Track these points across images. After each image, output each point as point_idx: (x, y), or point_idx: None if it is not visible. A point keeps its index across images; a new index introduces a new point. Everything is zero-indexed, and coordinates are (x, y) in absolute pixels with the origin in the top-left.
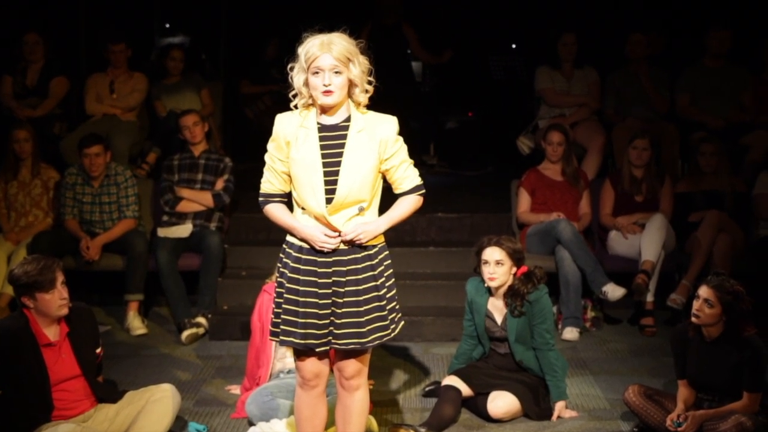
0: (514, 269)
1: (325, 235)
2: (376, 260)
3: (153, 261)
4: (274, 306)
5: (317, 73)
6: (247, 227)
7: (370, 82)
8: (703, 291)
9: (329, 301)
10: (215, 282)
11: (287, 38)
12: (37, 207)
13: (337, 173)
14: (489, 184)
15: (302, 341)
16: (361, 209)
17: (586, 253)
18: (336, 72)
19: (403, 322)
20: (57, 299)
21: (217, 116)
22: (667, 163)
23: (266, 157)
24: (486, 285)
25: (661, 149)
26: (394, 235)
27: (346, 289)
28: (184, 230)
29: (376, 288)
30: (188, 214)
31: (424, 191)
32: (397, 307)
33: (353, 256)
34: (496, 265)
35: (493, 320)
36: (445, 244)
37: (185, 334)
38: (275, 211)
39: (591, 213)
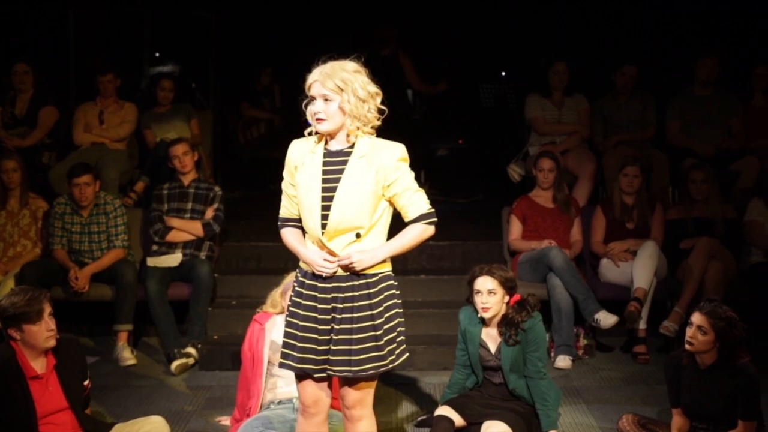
0: (507, 298)
1: (324, 260)
2: (376, 289)
3: (142, 291)
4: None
5: (312, 100)
6: (237, 256)
7: (381, 111)
8: (696, 318)
9: (328, 327)
10: (205, 311)
11: (281, 68)
12: (25, 237)
13: (333, 198)
14: (480, 211)
15: (299, 365)
16: (358, 235)
17: (578, 280)
18: (326, 100)
19: (407, 354)
20: (44, 331)
21: (206, 145)
22: (658, 190)
23: (282, 182)
24: (479, 315)
25: (651, 176)
26: None
27: (342, 316)
28: (173, 260)
29: (372, 317)
30: (178, 244)
31: (433, 219)
32: (399, 339)
33: (352, 283)
34: (489, 295)
35: (487, 349)
36: (436, 272)
37: (175, 364)
38: (286, 236)
39: (582, 240)
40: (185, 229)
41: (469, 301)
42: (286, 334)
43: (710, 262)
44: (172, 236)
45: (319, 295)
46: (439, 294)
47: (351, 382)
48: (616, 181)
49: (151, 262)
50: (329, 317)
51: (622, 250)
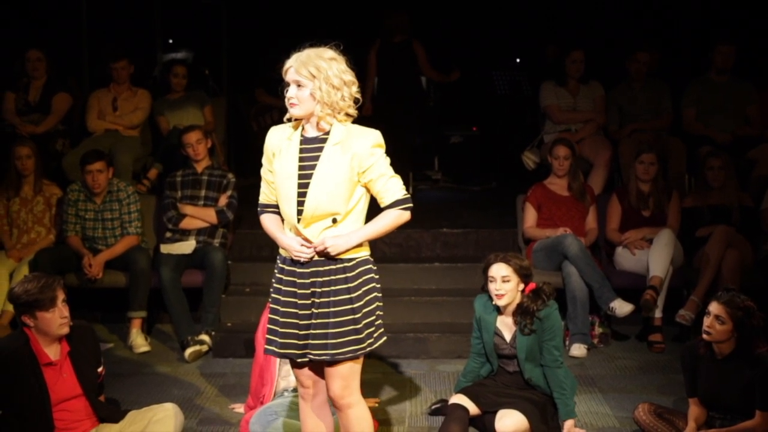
0: (522, 286)
1: (301, 245)
2: (353, 273)
3: (156, 278)
4: None
5: (288, 85)
6: (251, 243)
7: (357, 100)
8: (714, 307)
9: (309, 312)
10: (219, 299)
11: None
12: (39, 224)
13: (309, 185)
14: (494, 199)
15: (281, 350)
16: (334, 221)
17: (594, 268)
18: (299, 86)
19: (384, 338)
20: (58, 318)
21: (220, 132)
22: (674, 177)
23: (261, 169)
24: (494, 303)
25: (667, 164)
26: (399, 251)
27: (321, 300)
28: (187, 247)
29: (350, 301)
30: (191, 231)
31: (408, 205)
32: (378, 322)
33: (329, 267)
34: (503, 282)
35: (502, 338)
36: (450, 259)
37: (188, 351)
38: (265, 222)
39: (598, 228)
40: (199, 216)
41: (484, 289)
42: (270, 321)
43: (727, 250)
44: (186, 223)
45: (298, 281)
46: (453, 282)
47: (334, 369)
48: (632, 168)
49: (165, 249)
50: (309, 302)
51: (638, 238)
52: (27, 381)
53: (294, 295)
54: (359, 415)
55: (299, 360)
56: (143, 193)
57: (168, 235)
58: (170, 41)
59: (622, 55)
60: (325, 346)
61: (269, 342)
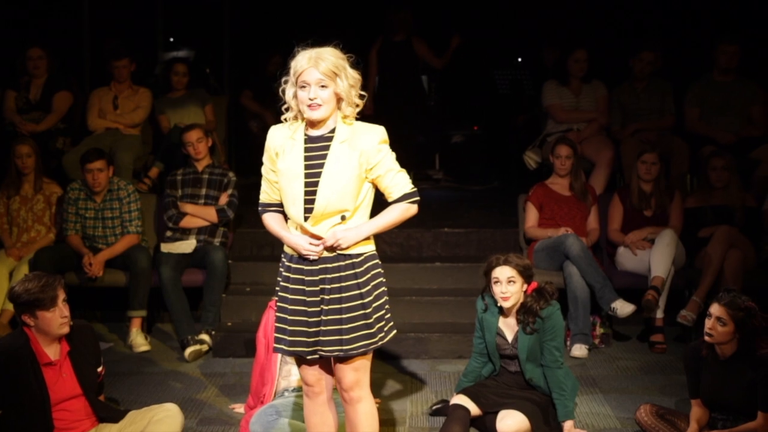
0: (525, 286)
1: (310, 243)
2: (362, 268)
3: (156, 277)
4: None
5: (304, 87)
6: (252, 242)
7: (361, 96)
8: (715, 309)
9: (318, 308)
10: (219, 298)
11: (290, 55)
12: (39, 222)
13: (317, 184)
14: (495, 198)
15: (290, 348)
16: (343, 218)
17: (595, 268)
18: (322, 86)
19: (394, 332)
20: (58, 317)
21: (221, 130)
22: (677, 177)
23: (262, 168)
24: (498, 304)
25: (670, 163)
26: (400, 251)
27: (331, 296)
28: (187, 246)
29: (360, 296)
30: (192, 230)
31: (416, 199)
32: (387, 316)
33: (338, 264)
34: (509, 284)
35: (504, 338)
36: (451, 259)
37: (189, 351)
38: (269, 221)
39: (599, 228)
40: (199, 215)
41: (486, 291)
42: (277, 319)
43: (729, 250)
44: (186, 222)
45: (307, 278)
46: (454, 282)
47: (346, 363)
48: (634, 168)
49: (165, 248)
50: (318, 299)
51: (640, 239)
52: (27, 381)
53: (303, 292)
54: (367, 410)
55: (309, 357)
56: (144, 192)
57: (168, 234)
58: (171, 39)
59: (624, 55)
60: (339, 342)
61: (278, 341)
